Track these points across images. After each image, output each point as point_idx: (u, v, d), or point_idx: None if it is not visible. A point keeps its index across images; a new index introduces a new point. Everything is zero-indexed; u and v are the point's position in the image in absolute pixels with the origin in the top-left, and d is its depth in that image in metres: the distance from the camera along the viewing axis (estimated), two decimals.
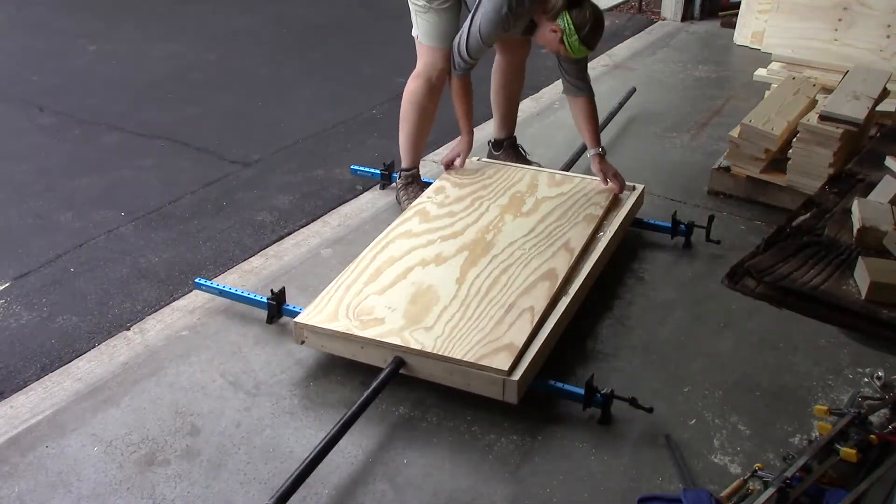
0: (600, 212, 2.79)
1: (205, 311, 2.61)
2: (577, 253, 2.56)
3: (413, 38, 2.97)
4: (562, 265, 2.49)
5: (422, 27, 2.91)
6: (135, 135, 4.15)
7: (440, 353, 2.11)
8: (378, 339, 2.18)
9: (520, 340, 2.15)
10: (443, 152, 3.78)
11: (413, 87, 2.99)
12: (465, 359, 2.08)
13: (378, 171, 3.40)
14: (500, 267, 2.49)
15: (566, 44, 2.68)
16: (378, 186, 3.42)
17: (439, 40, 2.89)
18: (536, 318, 2.24)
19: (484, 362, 2.07)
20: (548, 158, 3.52)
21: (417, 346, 2.14)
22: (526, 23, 2.79)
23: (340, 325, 2.24)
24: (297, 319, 2.28)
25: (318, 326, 2.24)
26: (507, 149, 3.44)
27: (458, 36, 2.80)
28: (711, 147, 3.79)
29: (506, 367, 2.04)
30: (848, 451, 1.79)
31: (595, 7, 2.70)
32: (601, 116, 3.82)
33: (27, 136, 4.15)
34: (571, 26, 2.64)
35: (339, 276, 2.47)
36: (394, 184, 3.29)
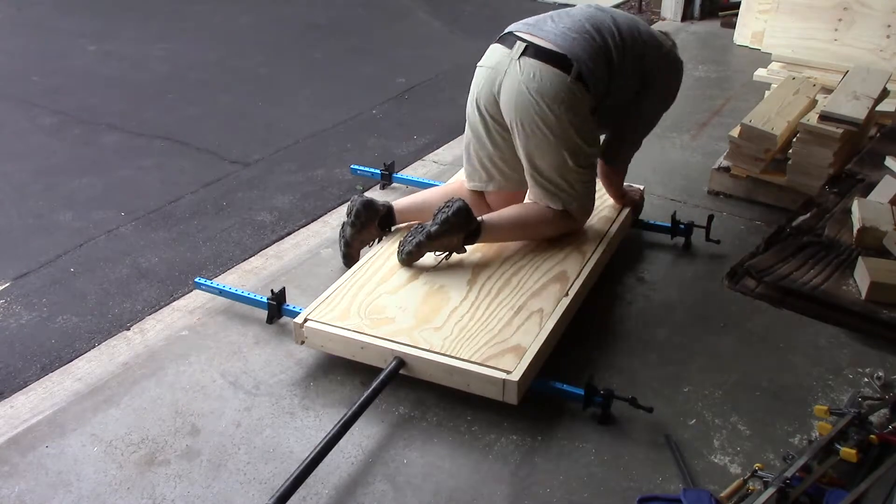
0: (615, 213, 2.80)
1: (205, 311, 2.61)
2: (589, 255, 2.56)
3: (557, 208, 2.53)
4: (573, 267, 2.49)
5: (585, 195, 2.56)
6: (135, 135, 4.15)
7: (447, 354, 2.11)
8: (384, 338, 2.18)
9: (527, 342, 2.15)
10: (442, 152, 3.79)
11: (561, 228, 2.61)
12: (471, 360, 2.09)
13: (378, 171, 3.40)
14: (512, 269, 2.49)
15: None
16: (378, 186, 3.42)
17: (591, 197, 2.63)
18: (545, 321, 2.25)
19: (490, 364, 2.07)
20: None
21: (426, 346, 2.14)
22: None
23: (351, 323, 2.24)
24: (305, 314, 2.28)
25: (328, 323, 2.24)
26: None
27: (630, 143, 2.66)
28: (711, 147, 3.79)
29: (511, 369, 2.05)
30: (848, 451, 1.79)
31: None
32: None
33: (27, 136, 4.15)
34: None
35: (352, 274, 2.47)
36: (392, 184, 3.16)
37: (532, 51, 2.33)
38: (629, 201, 2.88)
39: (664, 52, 2.52)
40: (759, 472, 1.80)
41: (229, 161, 3.85)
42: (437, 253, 2.46)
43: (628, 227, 2.91)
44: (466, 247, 2.46)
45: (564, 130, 2.34)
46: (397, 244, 2.62)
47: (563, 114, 2.31)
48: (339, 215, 3.24)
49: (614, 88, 2.42)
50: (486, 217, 2.50)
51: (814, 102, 3.41)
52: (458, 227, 2.37)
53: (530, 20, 2.47)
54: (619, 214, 2.80)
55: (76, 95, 4.68)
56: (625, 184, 2.91)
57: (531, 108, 2.32)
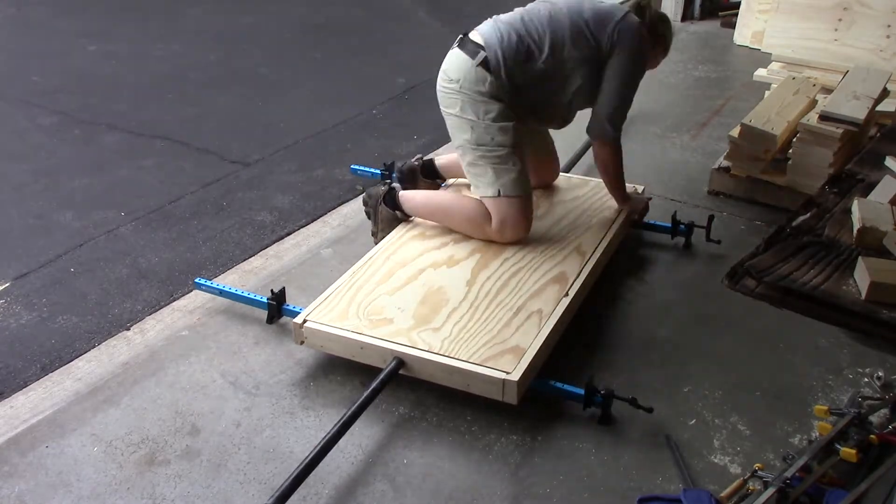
0: (614, 215, 2.80)
1: (205, 311, 2.61)
2: (588, 256, 2.56)
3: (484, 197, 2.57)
4: (572, 269, 2.49)
5: (504, 178, 2.52)
6: (135, 135, 4.15)
7: (446, 355, 2.11)
8: (384, 339, 2.18)
9: (526, 343, 2.15)
10: (442, 152, 3.78)
11: (485, 233, 2.61)
12: (470, 360, 2.09)
13: (378, 171, 3.39)
14: (511, 270, 2.49)
15: (668, 47, 2.72)
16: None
17: (528, 187, 2.60)
18: (544, 322, 2.25)
19: (489, 364, 2.07)
20: None
21: (424, 347, 2.14)
22: None
23: (350, 324, 2.24)
24: (304, 315, 2.28)
25: (327, 324, 2.24)
26: None
27: (603, 113, 2.58)
28: (711, 147, 3.79)
29: (510, 370, 2.04)
30: (848, 451, 1.79)
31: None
32: None
33: (27, 136, 4.15)
34: (669, 30, 2.69)
35: (351, 275, 2.47)
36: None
37: (458, 41, 2.58)
38: (632, 205, 2.87)
39: (619, 25, 2.51)
40: (759, 472, 1.80)
41: (229, 161, 3.85)
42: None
43: (628, 227, 2.91)
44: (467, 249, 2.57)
45: (458, 103, 2.53)
46: (396, 244, 2.63)
47: (458, 91, 2.51)
48: (338, 215, 3.25)
49: (541, 74, 2.51)
50: (410, 193, 2.76)
51: (814, 102, 3.41)
52: (372, 204, 2.78)
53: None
54: (618, 215, 2.80)
55: (76, 95, 4.68)
56: (630, 188, 2.94)
57: (439, 87, 2.60)
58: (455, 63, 2.55)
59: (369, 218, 2.86)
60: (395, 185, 2.84)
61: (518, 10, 2.59)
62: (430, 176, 3.05)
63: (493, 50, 2.48)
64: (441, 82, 2.59)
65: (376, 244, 2.72)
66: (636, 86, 2.59)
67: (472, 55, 2.50)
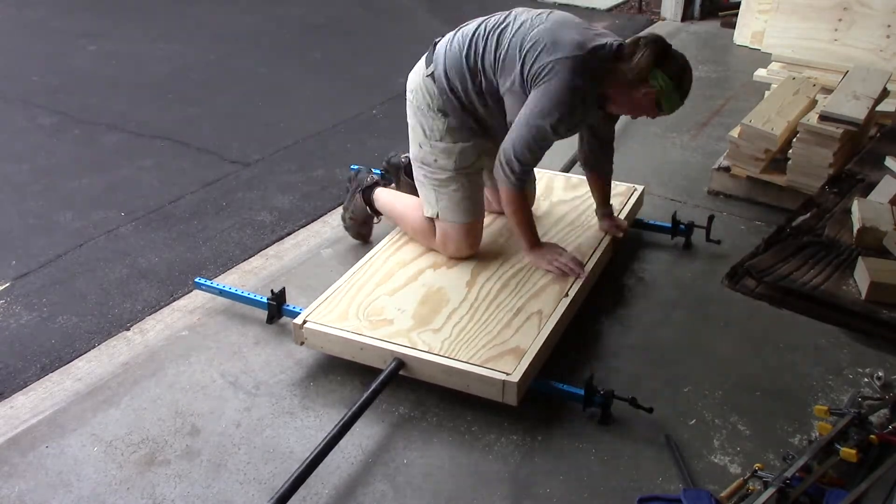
0: (615, 215, 2.79)
1: (205, 311, 2.61)
2: (588, 257, 2.56)
3: (430, 217, 2.55)
4: None
5: (444, 202, 2.48)
6: (135, 135, 4.15)
7: (446, 356, 2.11)
8: (384, 339, 2.18)
9: (526, 344, 2.15)
10: None
11: (431, 244, 2.59)
12: (470, 362, 2.09)
13: (379, 171, 3.39)
14: (511, 270, 2.49)
15: (662, 104, 2.30)
16: None
17: (471, 213, 2.50)
18: (544, 322, 2.25)
19: (489, 365, 2.07)
20: (547, 159, 3.51)
21: (424, 348, 2.14)
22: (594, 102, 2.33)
23: (350, 325, 2.24)
24: (304, 315, 2.28)
25: (327, 325, 2.24)
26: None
27: (506, 145, 2.33)
28: (711, 147, 3.80)
29: (510, 371, 2.04)
30: (848, 451, 1.79)
31: (677, 52, 2.37)
32: None
33: (27, 136, 4.15)
34: (669, 83, 2.28)
35: (351, 275, 2.47)
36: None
37: (430, 48, 2.51)
38: (535, 259, 2.51)
39: (557, 62, 2.21)
40: (759, 472, 1.80)
41: (229, 161, 3.85)
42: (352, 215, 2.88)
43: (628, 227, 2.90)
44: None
45: (413, 115, 2.51)
46: (396, 245, 2.63)
47: (411, 102, 2.50)
48: (339, 215, 3.24)
49: (479, 94, 2.38)
50: (382, 190, 2.82)
51: (814, 102, 3.41)
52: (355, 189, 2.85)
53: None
54: (618, 215, 2.80)
55: (76, 95, 4.68)
56: (630, 187, 2.94)
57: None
58: (413, 74, 2.51)
59: (347, 191, 2.92)
60: (380, 180, 2.89)
61: (478, 23, 2.41)
62: (412, 176, 2.76)
63: (440, 63, 2.39)
64: (406, 93, 2.54)
65: (342, 219, 2.91)
66: (552, 118, 2.22)
67: (427, 65, 2.44)
